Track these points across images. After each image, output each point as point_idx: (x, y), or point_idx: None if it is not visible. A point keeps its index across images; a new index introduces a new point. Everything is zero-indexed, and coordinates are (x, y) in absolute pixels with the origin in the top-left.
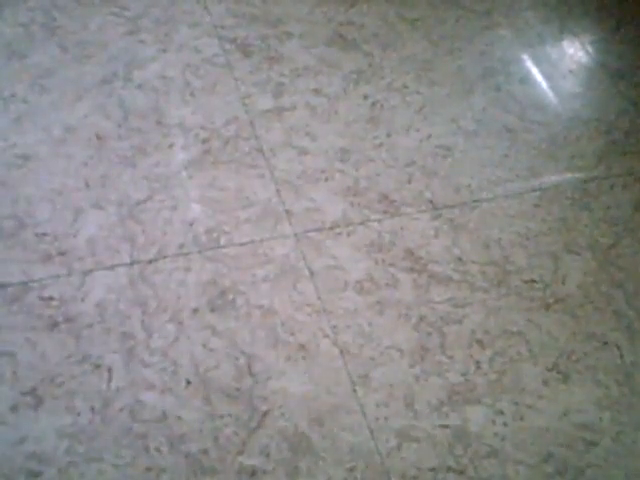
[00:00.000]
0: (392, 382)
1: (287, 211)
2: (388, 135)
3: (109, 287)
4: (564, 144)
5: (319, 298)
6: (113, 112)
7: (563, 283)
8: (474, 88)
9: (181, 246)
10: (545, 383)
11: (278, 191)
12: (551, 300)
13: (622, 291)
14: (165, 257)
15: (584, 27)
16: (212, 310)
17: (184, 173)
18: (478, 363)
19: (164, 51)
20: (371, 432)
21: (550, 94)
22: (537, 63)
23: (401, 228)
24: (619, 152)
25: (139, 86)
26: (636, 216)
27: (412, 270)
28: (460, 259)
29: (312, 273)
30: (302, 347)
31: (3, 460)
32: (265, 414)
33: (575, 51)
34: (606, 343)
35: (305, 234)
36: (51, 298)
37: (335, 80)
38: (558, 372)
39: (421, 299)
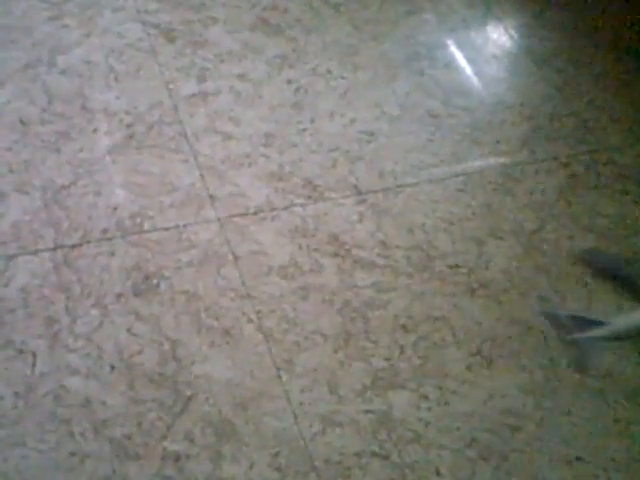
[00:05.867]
0: (316, 367)
1: (211, 196)
2: (312, 120)
3: (33, 272)
4: (488, 129)
5: (243, 283)
6: (37, 97)
7: (487, 268)
8: (398, 73)
9: (105, 231)
10: (469, 368)
11: (202, 176)
12: (475, 285)
13: (546, 276)
14: (89, 242)
15: (508, 12)
16: (136, 295)
17: (108, 158)
18: (402, 348)
19: (88, 36)
20: (295, 417)
21: (474, 79)
22: (461, 48)
23: (325, 213)
24: (543, 137)
25: (63, 71)
26: (560, 201)
27: (336, 255)
28: (384, 244)
29: (236, 258)
30: (226, 332)
31: None
32: (189, 399)
33: (499, 36)
34: (530, 328)
35: (229, 219)
36: None
37: (259, 65)
38: (482, 357)
39: (345, 284)
